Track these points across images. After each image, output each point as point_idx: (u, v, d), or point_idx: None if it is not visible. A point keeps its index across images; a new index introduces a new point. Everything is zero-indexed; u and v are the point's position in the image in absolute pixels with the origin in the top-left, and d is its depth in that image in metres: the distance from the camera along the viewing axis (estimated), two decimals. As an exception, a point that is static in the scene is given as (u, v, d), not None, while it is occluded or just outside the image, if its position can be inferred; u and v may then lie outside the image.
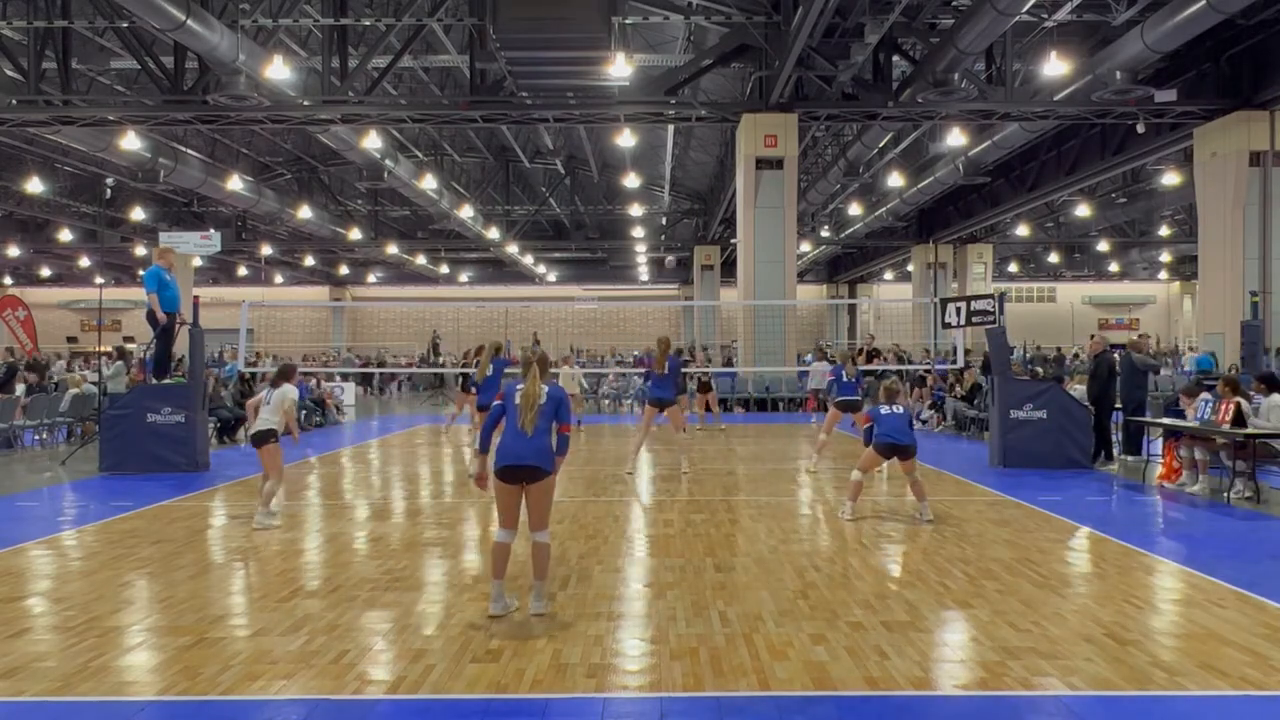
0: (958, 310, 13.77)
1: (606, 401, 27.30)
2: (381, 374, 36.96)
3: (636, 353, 29.98)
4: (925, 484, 9.19)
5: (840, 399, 12.88)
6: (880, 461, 9.20)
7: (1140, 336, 19.26)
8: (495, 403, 5.99)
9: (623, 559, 7.27)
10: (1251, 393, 10.70)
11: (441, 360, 31.00)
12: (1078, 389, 14.36)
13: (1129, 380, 13.23)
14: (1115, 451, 13.39)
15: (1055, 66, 18.47)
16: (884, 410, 9.09)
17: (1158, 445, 12.62)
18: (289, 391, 8.84)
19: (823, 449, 13.06)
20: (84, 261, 45.20)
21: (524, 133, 29.99)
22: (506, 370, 12.24)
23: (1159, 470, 11.53)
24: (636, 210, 38.55)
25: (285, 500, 10.47)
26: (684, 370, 15.83)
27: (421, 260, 45.67)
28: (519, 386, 5.88)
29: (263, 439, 8.74)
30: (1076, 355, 33.89)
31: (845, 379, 12.93)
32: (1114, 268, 48.26)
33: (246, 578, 6.82)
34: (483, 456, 6.02)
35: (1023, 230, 38.27)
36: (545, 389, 5.84)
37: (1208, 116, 19.79)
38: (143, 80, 22.13)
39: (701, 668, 4.77)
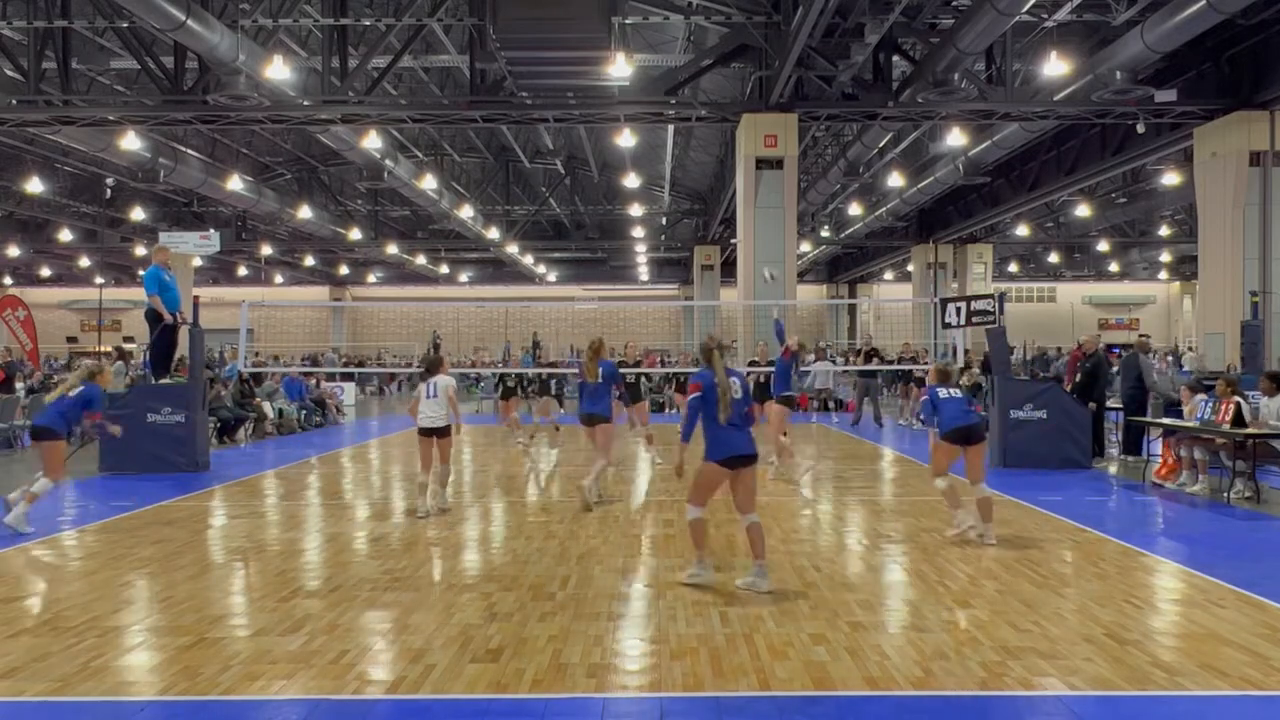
0: (958, 310, 13.76)
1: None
2: (379, 374, 37.00)
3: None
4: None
5: (785, 394, 11.77)
6: (955, 453, 8.08)
7: (1143, 337, 19.25)
8: (695, 395, 6.30)
9: (623, 559, 7.27)
10: (1259, 392, 10.68)
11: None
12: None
13: (1131, 380, 13.23)
14: (1115, 452, 13.40)
15: (1055, 66, 18.45)
16: (942, 393, 8.10)
17: (1158, 445, 12.61)
18: (449, 381, 9.43)
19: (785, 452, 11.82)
20: (84, 261, 45.17)
21: (524, 133, 29.97)
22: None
23: (1156, 467, 11.52)
24: (636, 210, 38.53)
25: (286, 500, 10.49)
26: (643, 375, 14.19)
27: (421, 260, 45.66)
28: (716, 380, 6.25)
29: (440, 433, 9.30)
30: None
31: (791, 372, 11.83)
32: (1114, 268, 48.25)
33: (246, 578, 6.82)
34: (684, 446, 6.49)
35: (1023, 230, 38.25)
36: (734, 380, 6.35)
37: (1208, 116, 19.77)
38: (143, 80, 22.10)
39: (701, 668, 4.77)
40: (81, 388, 8.90)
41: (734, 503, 6.50)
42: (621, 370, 14.45)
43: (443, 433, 9.36)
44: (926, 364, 23.26)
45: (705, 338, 6.58)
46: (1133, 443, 13.48)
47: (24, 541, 7.94)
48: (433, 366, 9.62)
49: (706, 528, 6.52)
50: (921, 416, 8.47)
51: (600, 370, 10.18)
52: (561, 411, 18.03)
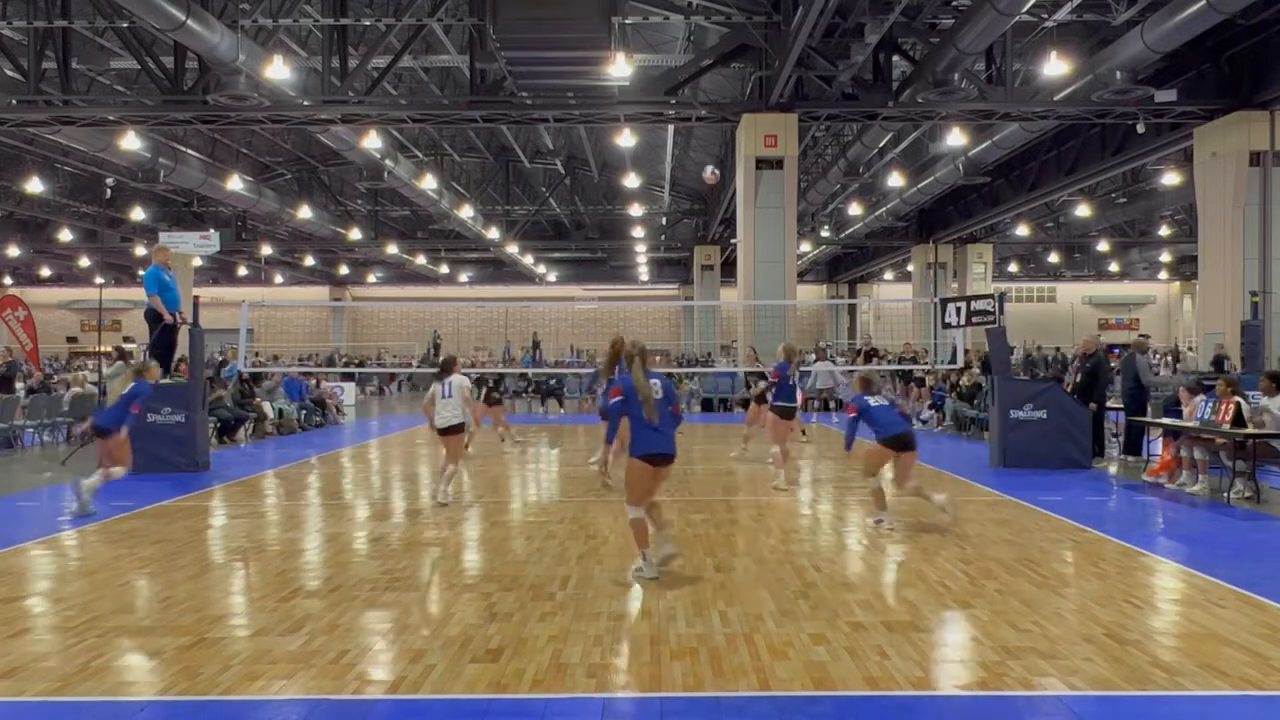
0: (958, 310, 13.77)
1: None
2: (379, 374, 37.01)
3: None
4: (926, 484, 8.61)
5: (779, 404, 11.32)
6: (889, 457, 8.47)
7: (1141, 337, 19.25)
8: (616, 400, 6.57)
9: (623, 559, 7.26)
10: (1259, 392, 10.69)
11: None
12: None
13: (1129, 380, 13.21)
14: (1115, 452, 13.39)
15: (1055, 66, 18.46)
16: (872, 402, 8.43)
17: (1157, 446, 12.61)
18: (463, 381, 10.00)
19: (785, 459, 11.33)
20: (84, 261, 45.19)
21: (524, 133, 29.99)
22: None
23: (1153, 465, 11.51)
24: (636, 210, 38.55)
25: (286, 500, 10.50)
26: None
27: (421, 260, 45.67)
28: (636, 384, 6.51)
29: (454, 430, 9.81)
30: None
31: (790, 381, 11.41)
32: (1114, 268, 48.26)
33: (246, 578, 6.82)
34: (607, 448, 6.90)
35: (1023, 230, 38.26)
36: (656, 382, 6.59)
37: (1208, 116, 19.78)
38: (143, 80, 22.11)
39: (701, 668, 4.77)
40: (132, 384, 9.80)
41: None
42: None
43: (455, 430, 9.82)
44: (926, 364, 23.31)
45: (628, 344, 6.80)
46: (1133, 443, 13.47)
47: (27, 540, 7.94)
48: (447, 367, 10.05)
49: (646, 526, 6.59)
50: (845, 430, 8.68)
51: (618, 369, 10.45)
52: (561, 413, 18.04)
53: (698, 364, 32.20)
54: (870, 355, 22.90)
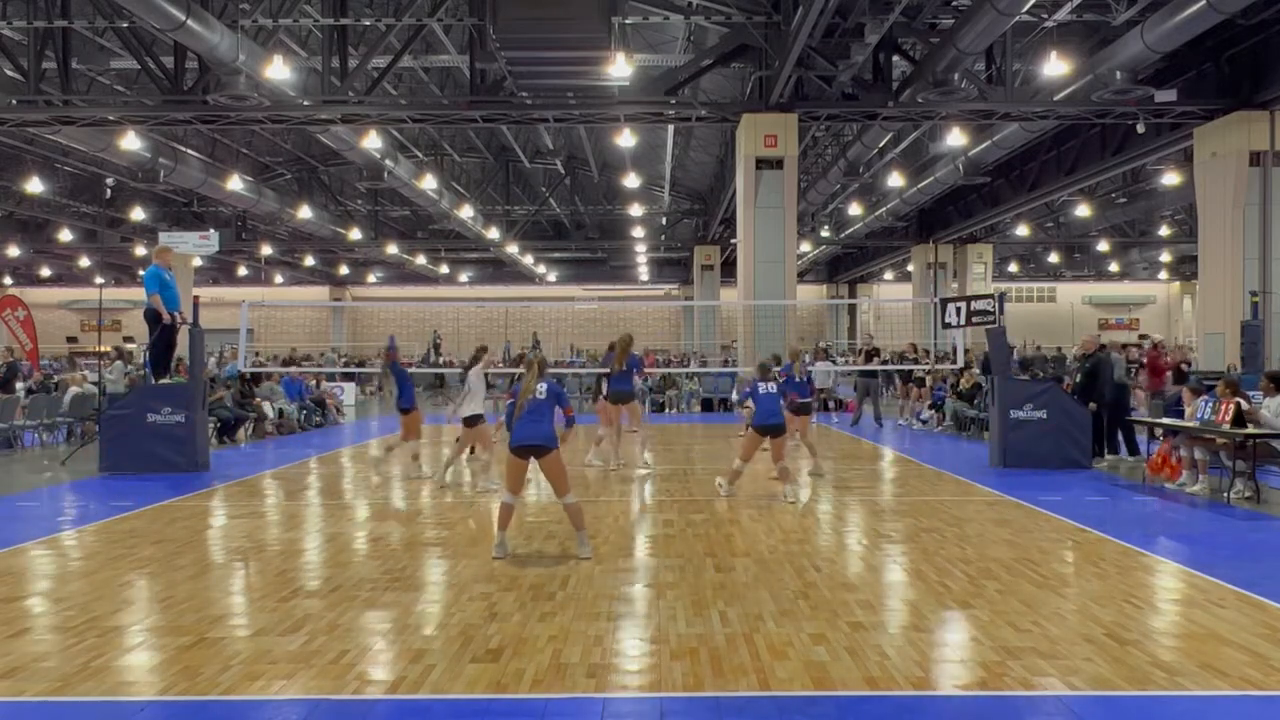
0: (958, 310, 13.75)
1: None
2: (379, 374, 36.96)
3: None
4: (794, 471, 10.07)
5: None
6: (760, 444, 9.83)
7: (1141, 337, 19.19)
8: (509, 401, 7.46)
9: (623, 559, 7.27)
10: (1258, 392, 10.67)
11: (442, 360, 30.99)
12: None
13: (1112, 382, 13.17)
14: (1110, 451, 13.34)
15: (1055, 66, 18.44)
16: (761, 389, 9.70)
17: (1151, 445, 12.58)
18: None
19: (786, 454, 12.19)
20: (84, 261, 45.15)
21: (524, 133, 29.97)
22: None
23: (1152, 459, 11.48)
24: (636, 210, 38.53)
25: (286, 500, 10.51)
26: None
27: (421, 260, 45.65)
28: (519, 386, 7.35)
29: (474, 421, 11.06)
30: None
31: (795, 379, 12.14)
32: (1114, 268, 48.23)
33: (246, 578, 6.82)
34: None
35: (1023, 230, 38.24)
36: (543, 385, 7.28)
37: (1208, 116, 19.76)
38: (143, 80, 22.09)
39: (701, 668, 4.77)
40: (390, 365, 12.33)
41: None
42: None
43: (475, 420, 11.18)
44: (926, 364, 23.29)
45: (533, 353, 7.73)
46: (1129, 443, 13.42)
47: (27, 540, 7.95)
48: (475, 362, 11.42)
49: (511, 513, 7.39)
50: (736, 398, 10.00)
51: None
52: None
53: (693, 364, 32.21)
54: (871, 355, 22.83)
